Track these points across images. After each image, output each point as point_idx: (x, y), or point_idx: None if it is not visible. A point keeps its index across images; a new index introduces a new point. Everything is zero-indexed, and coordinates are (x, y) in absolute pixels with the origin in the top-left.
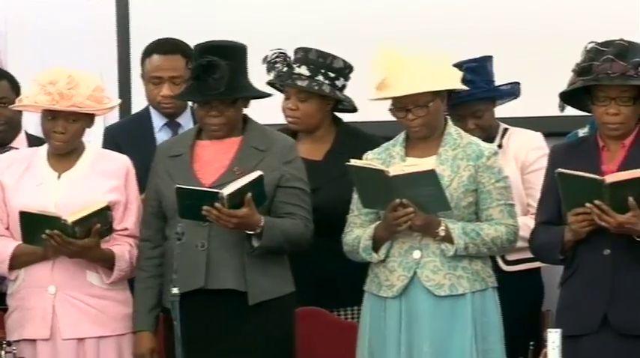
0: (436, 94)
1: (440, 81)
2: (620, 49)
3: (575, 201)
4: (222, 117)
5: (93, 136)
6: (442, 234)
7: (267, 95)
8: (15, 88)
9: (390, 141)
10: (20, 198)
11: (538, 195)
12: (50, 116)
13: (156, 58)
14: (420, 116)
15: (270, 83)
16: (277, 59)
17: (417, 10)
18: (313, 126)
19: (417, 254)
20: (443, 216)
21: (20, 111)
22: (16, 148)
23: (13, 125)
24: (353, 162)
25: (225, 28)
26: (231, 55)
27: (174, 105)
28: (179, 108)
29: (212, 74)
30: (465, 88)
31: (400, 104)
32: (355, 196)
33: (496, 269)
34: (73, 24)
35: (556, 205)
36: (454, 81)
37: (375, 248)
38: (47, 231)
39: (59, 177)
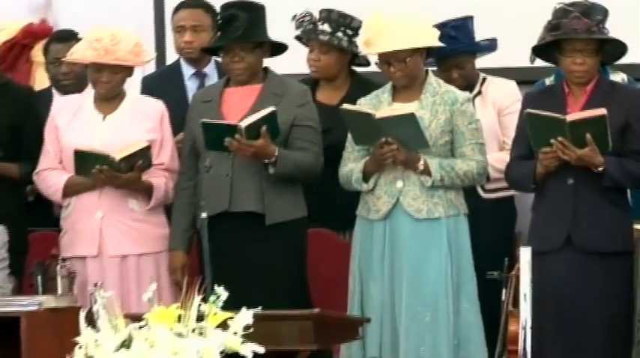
0: (415, 51)
1: (416, 40)
2: (585, 9)
3: (541, 138)
4: (243, 62)
5: (132, 84)
6: (421, 167)
7: (283, 45)
8: (68, 46)
9: (380, 89)
10: (71, 137)
11: (512, 134)
12: (96, 68)
13: (181, 12)
14: (400, 69)
15: (297, 38)
16: (304, 18)
17: None
18: (332, 76)
19: (399, 184)
20: (423, 152)
21: (86, 66)
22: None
23: (81, 78)
24: (345, 106)
25: None
26: (249, 9)
27: (194, 51)
28: (199, 53)
29: (233, 23)
30: (440, 44)
31: (383, 59)
32: (349, 135)
33: (476, 197)
34: None
35: (528, 142)
36: (430, 39)
37: (365, 179)
38: (97, 167)
39: (104, 119)
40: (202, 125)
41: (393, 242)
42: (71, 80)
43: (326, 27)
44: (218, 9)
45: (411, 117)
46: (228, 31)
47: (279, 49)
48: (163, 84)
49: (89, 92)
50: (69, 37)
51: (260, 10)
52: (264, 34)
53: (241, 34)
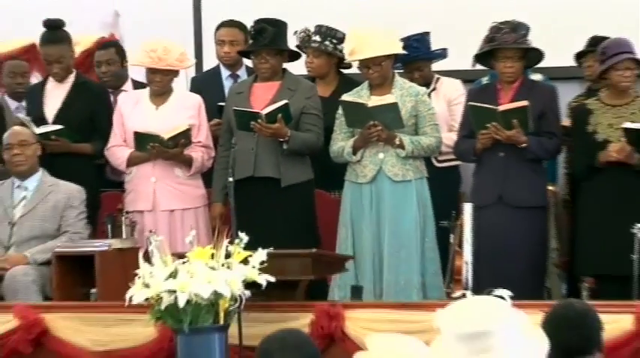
0: (387, 57)
1: (387, 48)
2: (513, 26)
3: (480, 123)
4: (268, 64)
5: (179, 82)
6: (398, 142)
7: (297, 52)
8: (120, 53)
9: (359, 86)
10: (132, 122)
11: (459, 119)
12: (152, 71)
13: (222, 29)
14: (376, 71)
15: (297, 47)
16: (302, 33)
17: None
18: (323, 75)
19: (381, 155)
20: (398, 132)
21: (125, 67)
22: (126, 90)
23: (119, 76)
24: (344, 97)
25: (272, 10)
26: (275, 24)
27: (231, 59)
28: (235, 61)
29: (262, 34)
30: (405, 52)
31: (363, 63)
32: (337, 122)
33: (431, 165)
34: (169, 10)
35: (470, 126)
36: (398, 48)
37: (354, 152)
38: (151, 144)
39: (157, 108)
40: (234, 111)
41: (378, 198)
42: (109, 78)
43: (317, 37)
44: (250, 23)
45: (394, 105)
46: (258, 40)
47: (295, 56)
48: (207, 82)
49: (146, 89)
50: (108, 46)
51: (283, 25)
52: (285, 44)
53: (268, 42)
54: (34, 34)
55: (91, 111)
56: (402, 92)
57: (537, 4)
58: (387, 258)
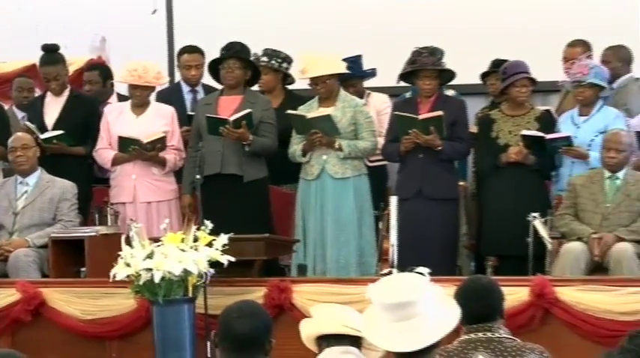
0: (331, 75)
1: (332, 69)
2: (431, 51)
3: (403, 130)
4: (233, 73)
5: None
6: (337, 146)
7: (257, 67)
8: (103, 74)
9: (311, 100)
10: (116, 129)
11: (386, 126)
12: (133, 87)
13: (186, 55)
14: (323, 87)
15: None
16: (252, 56)
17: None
18: (271, 88)
19: (324, 157)
20: (341, 137)
21: (111, 84)
22: (110, 102)
23: (100, 93)
24: (289, 111)
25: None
26: (240, 45)
27: (197, 80)
28: (198, 80)
29: (230, 49)
30: (347, 71)
31: (312, 81)
32: (293, 130)
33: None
34: (148, 37)
35: (395, 132)
36: (341, 68)
37: (304, 155)
38: (132, 147)
39: (137, 117)
40: (206, 118)
41: (322, 193)
42: (93, 94)
43: (265, 58)
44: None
45: (328, 116)
46: (227, 52)
47: (256, 76)
48: (170, 96)
49: (128, 101)
50: (93, 68)
51: (246, 47)
52: (248, 57)
53: (233, 53)
54: (34, 55)
55: (83, 119)
56: (344, 104)
57: (450, 32)
58: (329, 241)
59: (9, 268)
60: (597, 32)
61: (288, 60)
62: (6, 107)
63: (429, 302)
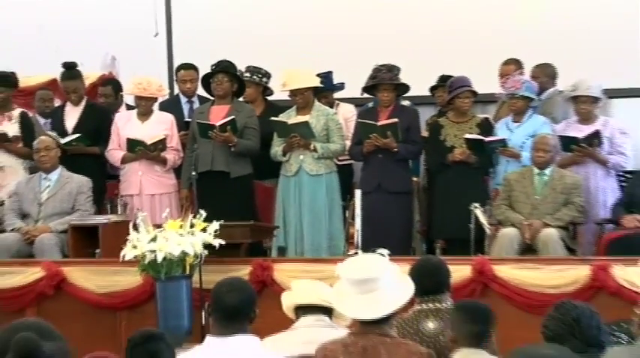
0: (308, 88)
1: (309, 82)
2: (389, 68)
3: (366, 134)
4: (222, 85)
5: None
6: (312, 148)
7: (242, 80)
8: (115, 88)
9: (289, 109)
10: (125, 132)
11: (352, 131)
12: (139, 98)
13: (183, 71)
14: (301, 98)
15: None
16: (239, 72)
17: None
18: (253, 99)
19: (301, 156)
20: (315, 140)
21: (121, 96)
22: (120, 111)
23: (115, 103)
24: (272, 118)
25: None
26: (228, 62)
27: (192, 92)
28: (193, 92)
29: (219, 65)
30: (320, 85)
31: (292, 93)
32: (275, 134)
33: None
34: (150, 55)
35: (359, 136)
36: (316, 82)
37: (284, 155)
38: (138, 147)
39: (142, 123)
40: (197, 124)
41: (299, 187)
42: (107, 105)
43: (247, 74)
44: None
45: (306, 123)
46: (217, 67)
47: (242, 88)
48: (170, 106)
49: (135, 110)
50: (107, 84)
51: (232, 64)
52: (234, 72)
53: (222, 68)
54: (54, 71)
55: (97, 125)
56: (318, 113)
57: (405, 52)
58: (305, 228)
59: (35, 250)
60: (527, 51)
61: (267, 75)
62: (30, 115)
63: (388, 278)
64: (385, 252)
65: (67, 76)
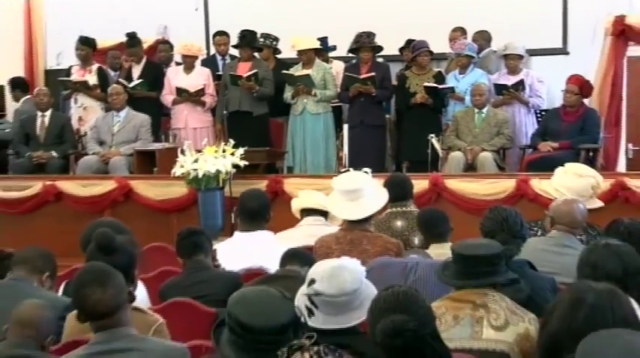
0: (310, 49)
1: (311, 45)
2: (368, 34)
3: (351, 83)
4: (246, 54)
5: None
6: (313, 94)
7: (260, 48)
8: (169, 48)
9: (297, 65)
10: (175, 82)
11: (340, 81)
12: (184, 57)
13: (217, 37)
14: (305, 56)
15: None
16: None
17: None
18: (267, 58)
19: (305, 100)
20: (314, 88)
21: (171, 54)
22: (171, 66)
23: (168, 58)
24: (284, 71)
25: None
26: (250, 32)
27: (225, 52)
28: (226, 52)
29: (243, 38)
30: (319, 47)
31: (299, 52)
32: (287, 84)
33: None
34: (192, 25)
35: (346, 85)
36: (316, 45)
37: (292, 98)
38: (184, 94)
39: (187, 75)
40: (229, 76)
41: (304, 123)
42: (164, 60)
43: (261, 39)
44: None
45: (308, 75)
46: (242, 40)
47: (260, 49)
48: (209, 63)
49: (182, 65)
50: (164, 43)
51: (253, 33)
52: (255, 43)
53: (245, 43)
54: (120, 34)
55: (154, 76)
56: (318, 67)
57: (379, 21)
58: (308, 152)
59: (110, 168)
60: (470, 20)
61: (277, 39)
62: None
63: (370, 189)
64: (367, 170)
65: (130, 45)
